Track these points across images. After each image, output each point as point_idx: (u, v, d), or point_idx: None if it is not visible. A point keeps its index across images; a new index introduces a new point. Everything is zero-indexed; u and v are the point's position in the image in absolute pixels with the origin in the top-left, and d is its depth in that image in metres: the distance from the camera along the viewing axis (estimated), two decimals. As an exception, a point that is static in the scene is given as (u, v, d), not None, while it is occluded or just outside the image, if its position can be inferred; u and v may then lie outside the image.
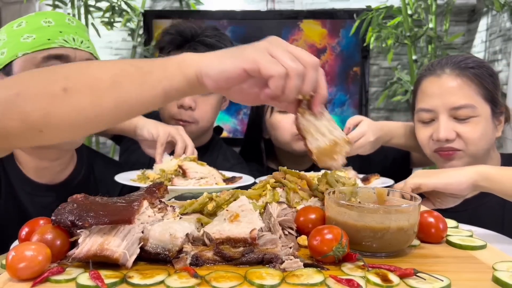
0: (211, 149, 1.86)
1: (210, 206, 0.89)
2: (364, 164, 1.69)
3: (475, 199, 1.39)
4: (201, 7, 3.56)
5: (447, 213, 1.00)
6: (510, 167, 1.13)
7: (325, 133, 0.83)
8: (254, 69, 0.75)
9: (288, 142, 1.79)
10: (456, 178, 1.10)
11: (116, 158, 3.35)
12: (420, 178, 1.13)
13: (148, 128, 1.52)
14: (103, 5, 3.21)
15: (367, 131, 1.51)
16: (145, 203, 0.76)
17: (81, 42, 1.30)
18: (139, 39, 3.47)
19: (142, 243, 0.70)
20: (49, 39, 1.24)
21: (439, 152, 1.42)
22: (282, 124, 1.79)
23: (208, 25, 1.75)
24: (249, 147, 2.00)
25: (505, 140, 2.53)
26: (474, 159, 1.40)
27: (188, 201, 0.95)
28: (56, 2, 3.11)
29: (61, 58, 1.25)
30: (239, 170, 1.64)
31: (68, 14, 3.16)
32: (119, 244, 0.67)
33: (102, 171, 1.52)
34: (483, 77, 1.40)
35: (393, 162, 1.81)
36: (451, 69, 1.42)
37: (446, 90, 1.40)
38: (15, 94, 0.74)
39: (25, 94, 0.74)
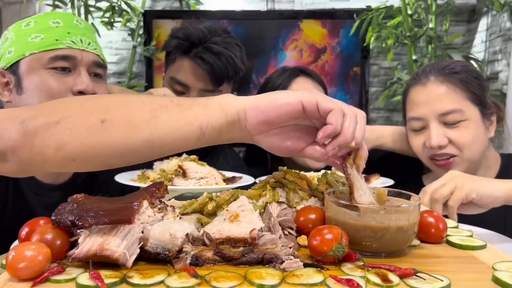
0: (212, 151, 1.85)
1: (210, 206, 0.89)
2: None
3: None
4: (201, 7, 3.56)
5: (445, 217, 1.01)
6: None
7: (365, 191, 0.82)
8: (312, 102, 0.72)
9: (305, 160, 1.75)
10: (492, 192, 1.12)
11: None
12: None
13: None
14: (103, 5, 3.22)
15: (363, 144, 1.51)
16: (145, 203, 0.76)
17: (89, 44, 1.31)
18: (139, 39, 3.47)
19: (142, 243, 0.70)
20: (57, 40, 1.25)
21: (435, 162, 1.44)
22: None
23: (218, 28, 1.71)
24: (254, 151, 1.99)
25: (505, 141, 2.53)
26: (472, 162, 1.41)
27: (188, 201, 0.95)
28: (56, 2, 3.11)
29: (68, 59, 1.25)
30: (240, 172, 1.64)
31: (69, 14, 3.19)
32: (119, 244, 0.67)
33: (105, 171, 1.51)
34: (469, 81, 1.41)
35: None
36: (436, 76, 1.43)
37: (433, 97, 1.41)
38: (55, 122, 0.74)
39: (65, 123, 0.74)
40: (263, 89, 1.84)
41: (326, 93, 1.81)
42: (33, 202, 1.33)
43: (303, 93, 0.74)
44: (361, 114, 0.77)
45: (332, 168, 1.18)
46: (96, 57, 1.33)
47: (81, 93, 1.25)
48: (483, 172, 1.48)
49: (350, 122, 0.74)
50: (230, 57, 1.64)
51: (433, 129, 1.40)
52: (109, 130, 0.74)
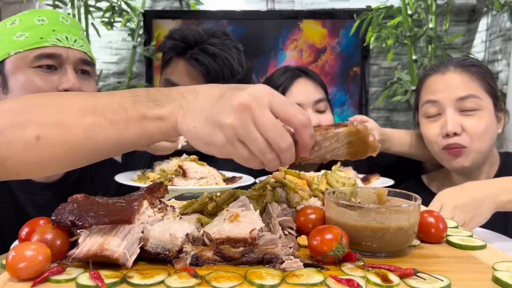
0: None
1: (210, 206, 0.89)
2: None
3: None
4: (201, 7, 3.56)
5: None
6: None
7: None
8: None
9: None
10: (484, 219, 1.16)
11: (117, 158, 3.35)
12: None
13: None
14: (103, 5, 3.22)
15: (374, 129, 1.53)
16: (145, 203, 0.76)
17: (75, 41, 1.29)
18: (139, 39, 3.47)
19: (142, 243, 0.70)
20: (41, 38, 1.23)
21: (449, 151, 1.43)
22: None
23: (217, 30, 1.70)
24: None
25: (506, 141, 2.53)
26: (480, 154, 1.42)
27: (188, 201, 0.95)
28: (56, 2, 3.11)
29: (53, 57, 1.24)
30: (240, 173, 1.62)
31: (68, 14, 3.18)
32: (119, 244, 0.67)
33: (98, 169, 1.50)
34: (485, 74, 1.45)
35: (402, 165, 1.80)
36: (455, 67, 1.47)
37: (451, 84, 1.44)
38: None
39: (1, 137, 0.73)
40: None
41: (326, 94, 1.80)
42: (24, 201, 1.33)
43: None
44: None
45: (332, 168, 1.19)
46: (83, 54, 1.31)
47: (67, 91, 1.23)
48: (488, 168, 1.49)
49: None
50: (226, 59, 1.61)
51: (449, 115, 1.41)
52: (46, 148, 0.73)
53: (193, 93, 0.76)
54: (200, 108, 0.73)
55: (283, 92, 1.67)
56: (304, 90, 1.73)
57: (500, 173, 1.46)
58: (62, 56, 1.26)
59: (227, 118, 0.70)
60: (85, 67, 1.32)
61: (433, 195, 1.22)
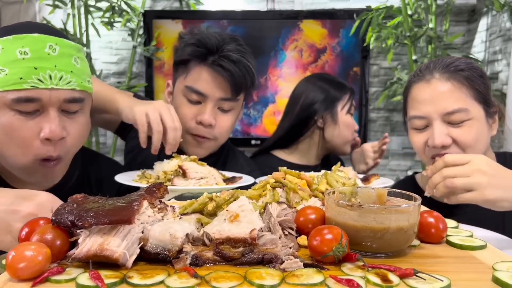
0: (223, 157, 1.79)
1: (210, 206, 0.89)
2: None
3: None
4: (201, 7, 3.56)
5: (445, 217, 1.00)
6: None
7: None
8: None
9: (347, 141, 2.11)
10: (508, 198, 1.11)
11: (116, 158, 3.35)
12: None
13: (126, 113, 1.43)
14: (103, 5, 3.21)
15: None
16: (145, 203, 0.76)
17: (60, 78, 1.15)
18: (139, 39, 3.46)
19: (142, 243, 0.70)
20: (21, 78, 1.10)
21: (437, 157, 1.40)
22: (352, 124, 2.10)
23: (226, 35, 1.62)
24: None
25: (505, 141, 2.53)
26: None
27: (188, 201, 0.95)
28: (56, 2, 3.11)
29: (33, 101, 1.12)
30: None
31: (68, 14, 3.18)
32: (119, 244, 0.67)
33: (98, 171, 1.49)
34: (474, 79, 1.38)
35: None
36: (441, 73, 1.39)
37: (438, 95, 1.37)
38: None
39: None
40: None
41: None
42: None
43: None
44: None
45: (332, 168, 1.19)
46: (69, 92, 1.17)
47: (48, 140, 1.15)
48: None
49: None
50: (248, 66, 1.58)
51: (436, 128, 1.36)
52: None
53: None
54: None
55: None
56: None
57: None
58: (43, 100, 1.13)
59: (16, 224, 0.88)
60: (72, 106, 1.19)
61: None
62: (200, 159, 1.52)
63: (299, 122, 2.04)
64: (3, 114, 1.13)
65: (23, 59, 1.11)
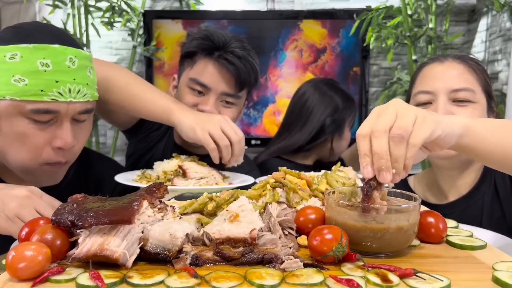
0: None
1: (210, 206, 0.89)
2: None
3: (462, 200, 1.39)
4: (201, 7, 3.56)
5: None
6: (490, 120, 1.06)
7: None
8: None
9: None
10: (452, 129, 0.89)
11: (116, 158, 3.34)
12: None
13: (186, 132, 1.41)
14: (103, 5, 3.21)
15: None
16: (145, 203, 0.76)
17: (78, 92, 1.18)
18: (139, 39, 3.46)
19: (142, 243, 0.70)
20: (42, 90, 1.12)
21: None
22: (348, 137, 2.19)
23: (232, 36, 1.67)
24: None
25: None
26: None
27: (188, 201, 0.95)
28: (56, 2, 3.11)
29: (51, 113, 1.15)
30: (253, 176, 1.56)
31: (69, 14, 3.18)
32: (119, 244, 0.67)
33: (96, 170, 1.49)
34: (482, 70, 1.44)
35: None
36: (453, 58, 1.45)
37: (449, 74, 1.41)
38: None
39: None
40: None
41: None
42: None
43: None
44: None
45: (332, 168, 1.19)
46: (84, 104, 1.21)
47: (60, 148, 1.19)
48: (477, 165, 1.45)
49: None
50: (252, 63, 1.61)
51: (441, 103, 1.37)
52: None
53: None
54: None
55: None
56: None
57: (484, 173, 1.44)
58: (60, 113, 1.16)
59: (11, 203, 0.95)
60: (83, 116, 1.23)
61: None
62: (200, 159, 1.52)
63: (311, 138, 2.08)
64: (17, 121, 1.14)
65: (45, 71, 1.12)
